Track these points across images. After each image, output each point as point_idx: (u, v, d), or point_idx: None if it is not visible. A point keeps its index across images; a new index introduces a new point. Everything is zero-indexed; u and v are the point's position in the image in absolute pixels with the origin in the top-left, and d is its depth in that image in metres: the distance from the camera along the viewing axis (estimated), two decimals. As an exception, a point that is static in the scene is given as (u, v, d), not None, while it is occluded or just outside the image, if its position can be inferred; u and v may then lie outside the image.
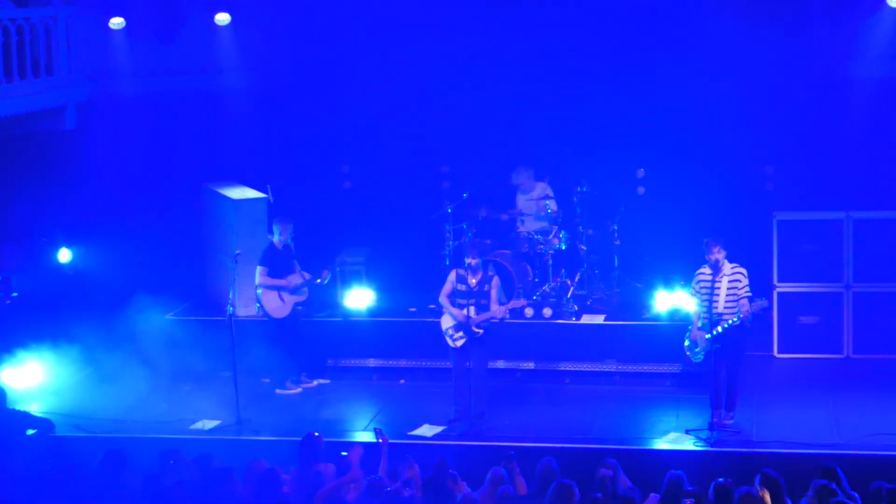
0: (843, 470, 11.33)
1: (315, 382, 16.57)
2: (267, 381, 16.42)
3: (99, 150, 18.47)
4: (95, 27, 18.70)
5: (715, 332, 14.14)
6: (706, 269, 14.31)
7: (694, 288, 14.44)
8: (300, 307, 16.46)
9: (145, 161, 18.91)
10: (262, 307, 16.29)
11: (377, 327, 17.22)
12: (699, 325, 14.33)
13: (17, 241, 17.46)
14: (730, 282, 14.20)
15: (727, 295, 14.17)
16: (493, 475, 11.66)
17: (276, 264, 16.18)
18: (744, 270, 14.27)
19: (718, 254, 14.20)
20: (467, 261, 14.78)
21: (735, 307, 14.15)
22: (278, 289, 16.15)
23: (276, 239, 16.26)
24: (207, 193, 18.84)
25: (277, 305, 16.20)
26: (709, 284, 14.22)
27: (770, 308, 15.89)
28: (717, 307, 14.18)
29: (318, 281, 16.43)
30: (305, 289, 16.34)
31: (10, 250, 17.25)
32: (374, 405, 15.81)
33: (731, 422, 14.43)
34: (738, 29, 17.61)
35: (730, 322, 14.12)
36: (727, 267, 14.25)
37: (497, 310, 14.69)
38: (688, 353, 14.58)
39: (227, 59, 19.07)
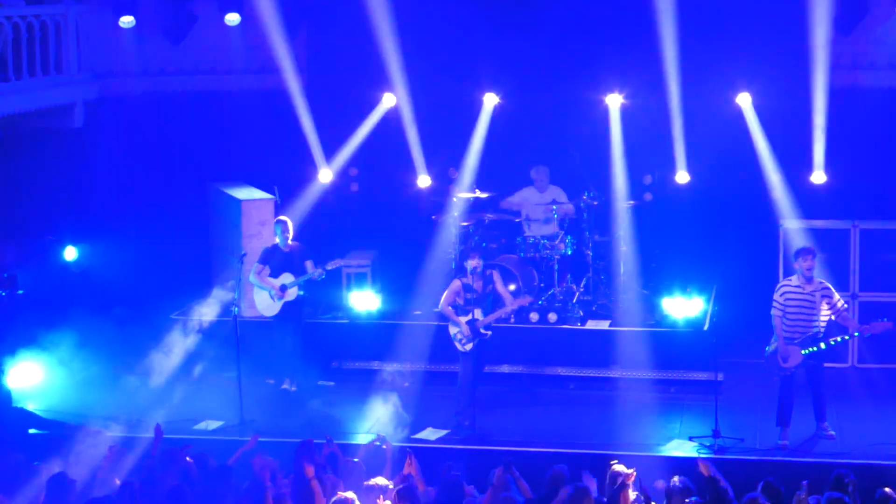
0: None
1: (288, 385, 16.49)
2: (271, 382, 16.41)
3: (107, 149, 18.49)
4: (105, 25, 18.70)
5: (816, 349, 14.01)
6: (794, 280, 14.09)
7: (779, 301, 14.07)
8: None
9: (153, 160, 18.92)
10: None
11: (382, 330, 17.22)
12: (793, 340, 14.07)
13: (24, 239, 17.47)
14: (822, 297, 14.05)
15: (826, 310, 14.04)
16: (495, 481, 11.64)
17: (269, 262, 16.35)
18: (829, 284, 14.20)
19: (805, 262, 13.98)
20: (470, 264, 14.78)
21: (827, 321, 14.05)
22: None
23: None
24: (214, 193, 18.86)
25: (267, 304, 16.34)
26: (802, 298, 13.99)
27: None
28: (817, 323, 14.05)
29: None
30: (292, 290, 16.26)
31: (17, 247, 17.26)
32: (378, 408, 15.79)
33: (834, 431, 14.36)
34: (745, 38, 17.60)
35: (837, 340, 14.02)
36: (817, 281, 14.13)
37: (511, 302, 14.83)
38: (778, 371, 14.18)
39: (237, 60, 19.08)
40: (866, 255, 16.83)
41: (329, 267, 16.26)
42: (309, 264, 16.18)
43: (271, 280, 16.22)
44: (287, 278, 16.18)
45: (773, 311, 14.13)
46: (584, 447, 14.10)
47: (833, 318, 14.13)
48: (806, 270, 14.02)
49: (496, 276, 14.99)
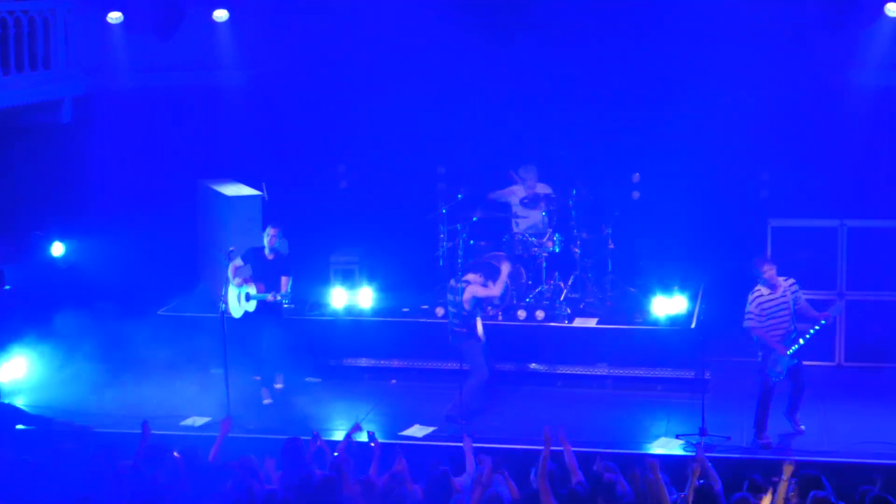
0: (831, 477, 11.32)
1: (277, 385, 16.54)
2: (258, 378, 16.39)
3: (95, 144, 18.44)
4: (93, 21, 18.66)
5: (797, 346, 14.07)
6: (762, 290, 14.06)
7: (754, 312, 14.01)
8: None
9: (141, 156, 18.86)
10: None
11: (370, 327, 17.21)
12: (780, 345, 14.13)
13: (11, 234, 17.42)
14: (792, 294, 14.13)
15: (795, 307, 14.13)
16: (483, 479, 11.61)
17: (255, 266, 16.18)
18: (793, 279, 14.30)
19: (771, 270, 14.07)
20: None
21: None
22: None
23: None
24: (202, 190, 18.83)
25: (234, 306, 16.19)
26: (777, 303, 14.04)
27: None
28: (793, 322, 14.08)
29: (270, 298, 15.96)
30: (252, 302, 15.95)
31: (3, 243, 17.21)
32: (365, 405, 15.81)
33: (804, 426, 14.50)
34: (736, 36, 17.62)
35: (811, 332, 14.08)
36: (783, 281, 14.18)
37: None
38: (774, 378, 14.17)
39: (225, 56, 19.04)
40: (854, 253, 16.85)
41: (280, 297, 15.95)
42: (283, 281, 15.94)
43: (240, 279, 16.06)
44: (251, 289, 16.02)
45: (748, 323, 14.06)
46: (572, 445, 14.07)
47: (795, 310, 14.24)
48: (771, 279, 14.08)
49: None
